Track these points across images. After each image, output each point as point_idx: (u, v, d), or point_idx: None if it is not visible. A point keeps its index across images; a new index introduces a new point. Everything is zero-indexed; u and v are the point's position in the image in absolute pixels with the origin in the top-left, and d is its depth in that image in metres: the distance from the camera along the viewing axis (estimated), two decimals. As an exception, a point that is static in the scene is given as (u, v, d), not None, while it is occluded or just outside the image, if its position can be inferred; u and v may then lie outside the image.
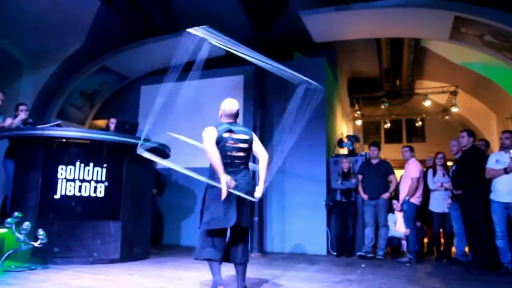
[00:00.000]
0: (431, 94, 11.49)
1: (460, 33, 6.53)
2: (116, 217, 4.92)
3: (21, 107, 5.76)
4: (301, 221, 6.99)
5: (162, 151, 5.58)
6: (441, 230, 6.27)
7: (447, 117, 12.53)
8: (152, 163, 5.98)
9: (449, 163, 6.36)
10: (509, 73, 7.62)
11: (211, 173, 3.21)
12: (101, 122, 9.22)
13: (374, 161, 6.61)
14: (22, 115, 5.51)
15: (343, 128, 10.61)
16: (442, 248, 6.34)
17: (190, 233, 7.44)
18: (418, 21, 6.65)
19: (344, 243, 6.58)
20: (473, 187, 5.17)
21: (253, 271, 4.58)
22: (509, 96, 8.70)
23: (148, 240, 5.67)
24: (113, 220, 4.89)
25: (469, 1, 6.04)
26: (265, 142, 6.86)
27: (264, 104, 7.20)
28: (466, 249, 5.68)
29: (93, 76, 8.42)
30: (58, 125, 5.06)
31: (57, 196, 4.67)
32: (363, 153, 7.42)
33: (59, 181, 4.69)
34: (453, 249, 6.05)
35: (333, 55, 8.93)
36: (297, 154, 6.96)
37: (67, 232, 4.66)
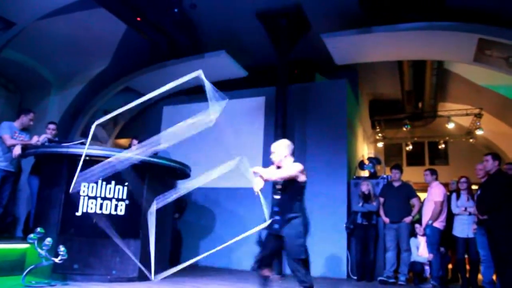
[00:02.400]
0: (455, 116, 11.31)
1: (484, 55, 6.45)
2: (136, 236, 4.94)
3: (50, 126, 5.95)
4: (321, 244, 6.87)
5: (182, 171, 5.62)
6: (466, 256, 6.07)
7: (471, 140, 12.27)
8: (174, 183, 6.03)
9: (474, 187, 6.19)
10: (536, 96, 7.46)
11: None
12: (124, 141, 9.39)
13: (396, 184, 6.50)
14: (48, 133, 5.69)
15: (365, 150, 10.50)
16: (467, 275, 6.12)
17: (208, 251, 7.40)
18: (441, 44, 6.61)
19: (364, 267, 6.43)
20: (500, 212, 5.01)
21: (271, 294, 4.49)
22: (536, 119, 8.49)
23: (167, 259, 5.65)
24: (133, 238, 4.91)
25: (493, 23, 5.98)
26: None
27: (285, 125, 7.20)
28: (494, 277, 5.46)
29: (116, 96, 8.62)
30: (82, 143, 5.16)
31: (78, 213, 4.73)
32: (384, 176, 7.32)
33: (81, 198, 4.76)
34: (480, 276, 5.83)
35: (354, 77, 8.94)
36: (317, 175, 6.91)
37: (87, 249, 4.70)
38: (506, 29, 5.89)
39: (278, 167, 3.63)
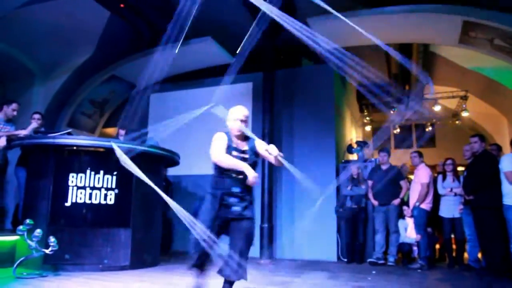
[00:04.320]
0: (441, 99, 11.42)
1: (469, 37, 6.50)
2: (126, 224, 4.94)
3: (35, 116, 5.87)
4: (311, 228, 6.96)
5: (171, 159, 5.62)
6: (452, 236, 6.21)
7: (457, 122, 12.43)
8: (162, 170, 6.03)
9: (461, 168, 6.30)
10: (520, 77, 7.56)
11: None
12: (111, 130, 9.32)
13: (384, 167, 6.58)
14: (34, 124, 5.61)
15: (353, 133, 10.58)
16: (454, 254, 6.27)
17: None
18: (426, 26, 6.63)
19: (354, 249, 6.54)
20: (486, 192, 5.12)
21: (263, 278, 4.57)
22: (521, 100, 8.61)
23: (158, 247, 5.68)
24: (123, 228, 4.92)
25: (478, 5, 6.01)
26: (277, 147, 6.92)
27: (272, 111, 7.21)
28: (479, 255, 5.61)
29: (102, 85, 8.53)
30: (68, 133, 5.11)
31: (68, 204, 4.71)
32: (372, 159, 7.40)
33: (70, 188, 4.74)
34: (466, 255, 5.98)
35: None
36: (306, 160, 6.97)
37: (78, 239, 4.69)
38: (490, 10, 5.93)
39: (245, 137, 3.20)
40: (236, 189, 3.05)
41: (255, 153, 3.16)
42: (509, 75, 8.19)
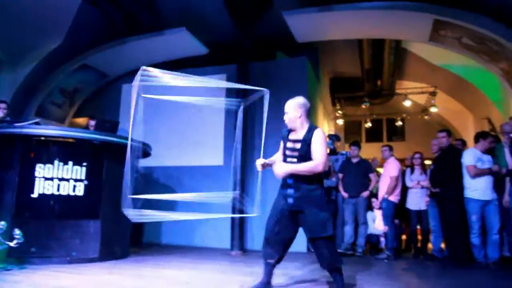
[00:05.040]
0: (411, 94, 11.72)
1: (439, 35, 6.68)
2: (96, 216, 4.87)
3: (1, 105, 5.68)
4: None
5: (144, 150, 5.56)
6: (418, 227, 6.41)
7: (426, 117, 12.78)
8: (134, 162, 5.94)
9: (428, 162, 6.49)
10: (486, 75, 7.82)
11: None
12: (81, 120, 9.11)
13: (355, 160, 6.70)
14: (-1, 113, 5.45)
15: (325, 127, 10.70)
16: (419, 245, 6.48)
17: (170, 231, 7.43)
18: (398, 23, 6.78)
19: (324, 241, 6.64)
20: (450, 185, 5.30)
21: (233, 269, 4.60)
22: (485, 97, 8.93)
23: (128, 238, 5.62)
24: (92, 219, 4.84)
25: (448, 5, 6.18)
26: (247, 141, 6.93)
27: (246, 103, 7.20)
28: (442, 245, 5.82)
29: (73, 74, 8.30)
30: (36, 123, 4.97)
31: (34, 195, 4.60)
32: (344, 152, 7.51)
33: (37, 179, 4.62)
34: (430, 245, 6.19)
35: (315, 55, 9.01)
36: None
37: (45, 231, 4.58)
38: (459, 10, 6.11)
39: (291, 131, 3.32)
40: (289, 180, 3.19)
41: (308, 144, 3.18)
42: (476, 73, 8.47)
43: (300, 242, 6.90)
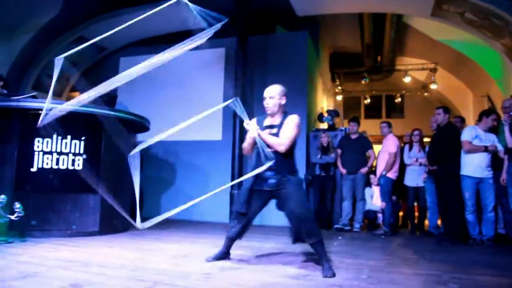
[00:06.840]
0: (411, 70, 11.61)
1: (441, 9, 6.57)
2: (95, 190, 4.89)
3: (-3, 79, 5.61)
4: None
5: (141, 124, 5.53)
6: (415, 204, 6.47)
7: (426, 94, 12.71)
8: (132, 135, 5.93)
9: (427, 139, 6.49)
10: (487, 51, 7.74)
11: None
12: (79, 94, 9.03)
13: (353, 136, 6.70)
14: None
15: (324, 102, 10.65)
16: (416, 221, 6.56)
17: (170, 205, 7.46)
18: (401, -4, 6.66)
19: (322, 216, 6.72)
20: (447, 162, 5.32)
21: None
22: (486, 74, 8.85)
23: (128, 214, 5.66)
24: (92, 193, 4.86)
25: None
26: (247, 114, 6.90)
27: (245, 77, 7.14)
28: (439, 222, 5.89)
29: (70, 46, 8.13)
30: (33, 97, 4.92)
31: (33, 169, 4.60)
32: (342, 128, 7.51)
33: (36, 153, 4.62)
34: (426, 222, 6.26)
35: (315, 30, 8.87)
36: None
37: (45, 205, 4.62)
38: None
39: (266, 117, 3.42)
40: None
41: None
42: (477, 49, 8.37)
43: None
